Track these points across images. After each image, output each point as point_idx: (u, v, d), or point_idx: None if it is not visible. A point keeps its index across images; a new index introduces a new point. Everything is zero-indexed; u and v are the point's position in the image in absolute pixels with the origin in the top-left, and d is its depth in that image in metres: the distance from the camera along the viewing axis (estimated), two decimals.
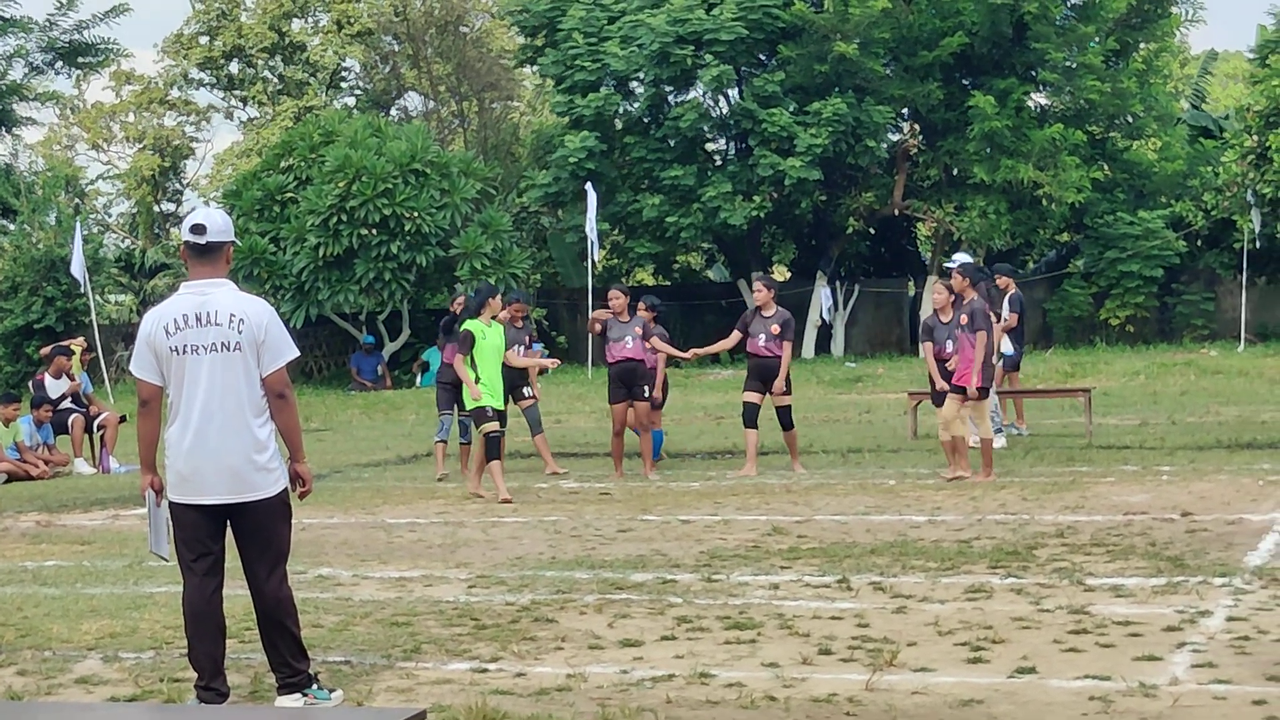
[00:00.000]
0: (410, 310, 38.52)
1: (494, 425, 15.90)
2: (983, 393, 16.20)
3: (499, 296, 16.74)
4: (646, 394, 17.66)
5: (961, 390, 16.06)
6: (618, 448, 17.84)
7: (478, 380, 15.88)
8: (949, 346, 16.24)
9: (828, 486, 16.02)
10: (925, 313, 23.63)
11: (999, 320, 21.35)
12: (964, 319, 16.19)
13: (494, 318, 16.35)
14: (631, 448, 18.34)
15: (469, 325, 16.03)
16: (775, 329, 17.25)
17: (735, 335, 17.65)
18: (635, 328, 17.58)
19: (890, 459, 18.15)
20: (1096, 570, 10.62)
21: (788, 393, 17.32)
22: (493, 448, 15.93)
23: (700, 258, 48.62)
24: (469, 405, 16.22)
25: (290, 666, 7.68)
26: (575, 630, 9.28)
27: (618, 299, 17.73)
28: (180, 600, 7.77)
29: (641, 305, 18.07)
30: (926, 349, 16.58)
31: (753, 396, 17.43)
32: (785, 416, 17.38)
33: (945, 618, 9.23)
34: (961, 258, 19.53)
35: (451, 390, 17.75)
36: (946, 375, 16.23)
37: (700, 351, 19.65)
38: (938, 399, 16.41)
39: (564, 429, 24.03)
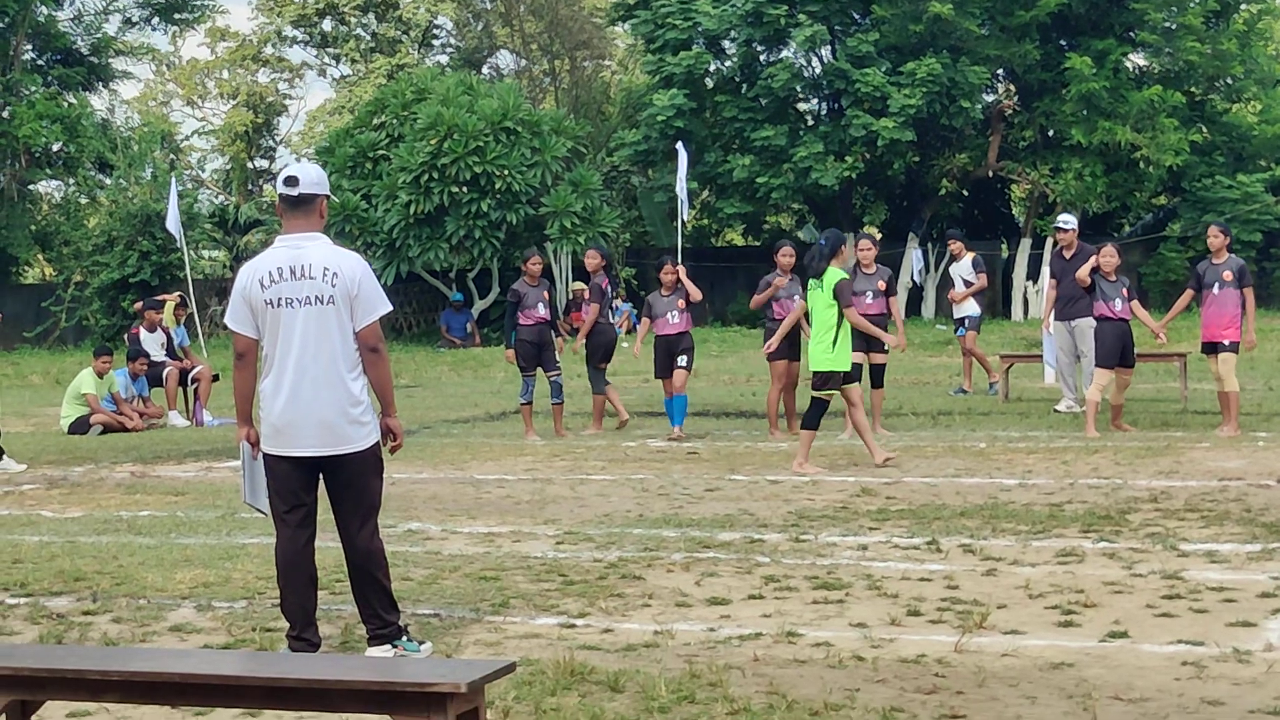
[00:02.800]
0: (500, 268, 38.61)
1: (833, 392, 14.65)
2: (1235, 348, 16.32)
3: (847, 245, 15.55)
4: (685, 363, 17.72)
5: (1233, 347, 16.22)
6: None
7: (835, 341, 14.39)
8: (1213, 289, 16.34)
9: (917, 449, 15.94)
10: (1017, 273, 23.32)
11: (968, 285, 21.48)
12: (1227, 275, 16.22)
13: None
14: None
15: (841, 273, 14.63)
16: (881, 285, 17.21)
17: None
18: (679, 301, 17.61)
19: (981, 422, 18.03)
20: (1190, 535, 10.50)
21: (885, 352, 17.18)
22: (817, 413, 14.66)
23: (791, 218, 48.44)
24: (824, 366, 14.50)
25: (380, 618, 7.73)
26: (662, 588, 9.28)
27: (788, 256, 17.69)
28: (273, 551, 7.83)
29: (671, 268, 18.06)
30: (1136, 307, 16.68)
31: (855, 356, 17.24)
32: (879, 375, 17.26)
33: (1036, 581, 9.16)
34: (1066, 218, 19.42)
35: (533, 348, 17.78)
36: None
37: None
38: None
39: (653, 388, 24.01)
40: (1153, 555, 9.84)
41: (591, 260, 18.49)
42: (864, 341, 16.86)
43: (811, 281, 14.65)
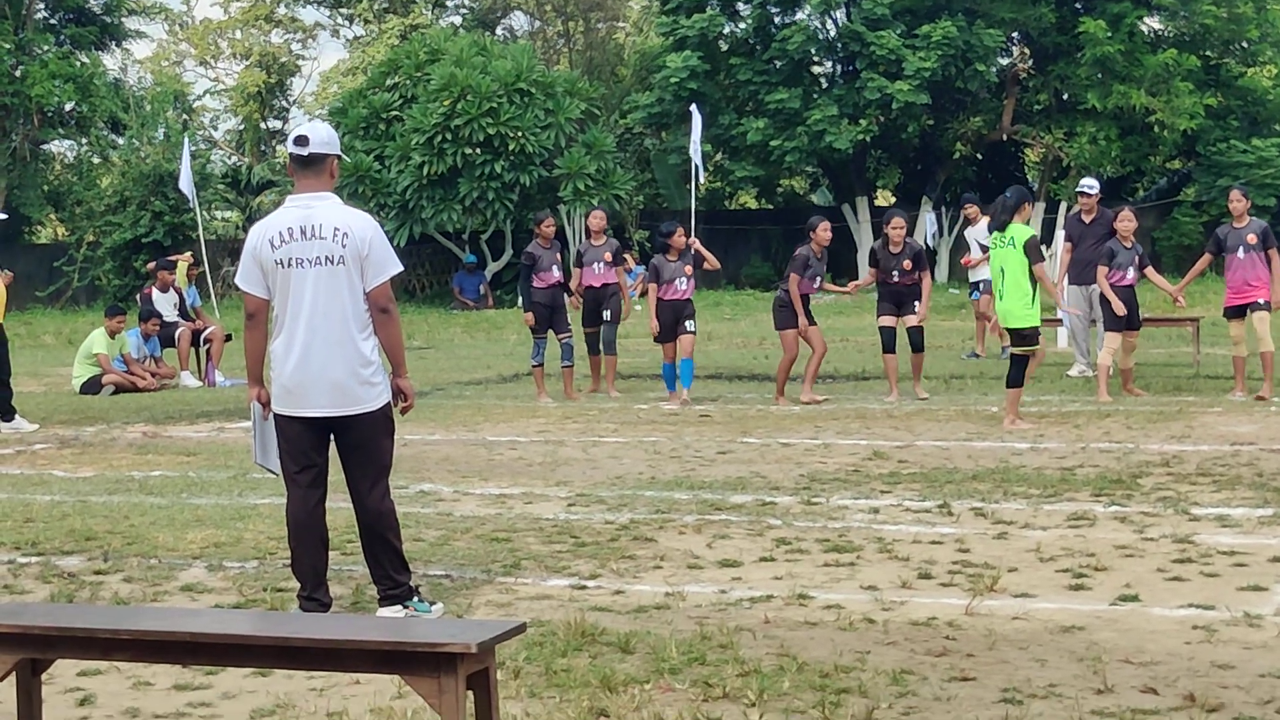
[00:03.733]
0: (513, 230, 38.56)
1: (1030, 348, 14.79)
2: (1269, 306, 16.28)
3: (1031, 203, 15.27)
4: (692, 328, 17.61)
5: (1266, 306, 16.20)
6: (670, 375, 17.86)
7: (1033, 298, 14.50)
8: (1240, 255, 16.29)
9: (929, 412, 15.92)
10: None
11: (985, 250, 21.43)
12: (1251, 238, 16.18)
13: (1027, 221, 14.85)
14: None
15: (1029, 230, 14.61)
16: (908, 264, 17.08)
17: (870, 272, 17.51)
18: (686, 266, 17.54)
19: (993, 386, 18.00)
20: (1202, 500, 10.49)
21: (916, 313, 17.14)
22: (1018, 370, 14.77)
23: (804, 181, 48.32)
24: (1024, 323, 14.55)
25: (392, 579, 7.74)
26: (674, 550, 9.29)
27: (826, 231, 17.58)
28: (284, 511, 7.84)
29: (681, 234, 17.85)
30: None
31: (888, 320, 17.25)
32: (917, 338, 17.16)
33: (1047, 544, 9.15)
34: (1090, 182, 19.33)
35: (546, 310, 17.77)
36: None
37: (860, 284, 19.34)
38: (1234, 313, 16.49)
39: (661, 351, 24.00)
40: (1164, 519, 9.83)
41: (597, 220, 18.43)
42: (894, 305, 16.91)
43: (996, 237, 14.72)
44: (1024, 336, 14.61)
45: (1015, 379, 14.63)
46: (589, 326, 18.39)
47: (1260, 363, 16.46)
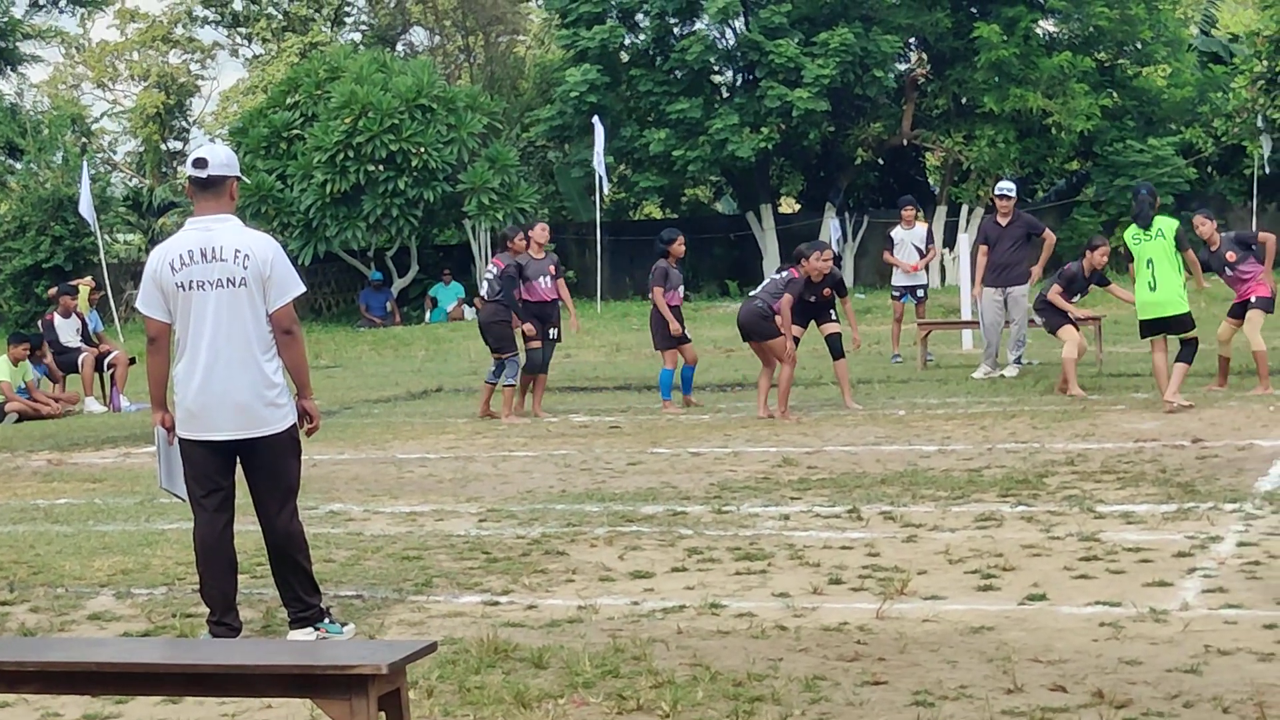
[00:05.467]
0: (418, 246, 38.46)
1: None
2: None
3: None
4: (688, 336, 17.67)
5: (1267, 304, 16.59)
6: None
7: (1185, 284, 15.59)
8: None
9: (838, 417, 16.02)
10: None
11: (923, 255, 21.58)
12: (1230, 255, 16.54)
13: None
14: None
15: (1174, 221, 15.57)
16: (826, 292, 17.16)
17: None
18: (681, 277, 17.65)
19: (900, 389, 18.13)
20: (1107, 497, 10.61)
21: (835, 321, 17.14)
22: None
23: (708, 190, 48.45)
24: (1186, 308, 15.49)
25: (302, 601, 7.70)
26: (586, 563, 9.29)
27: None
28: (191, 536, 7.79)
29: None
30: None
31: (796, 331, 17.22)
32: (836, 346, 17.10)
33: (956, 546, 9.23)
34: (1007, 185, 19.54)
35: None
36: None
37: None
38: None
39: (573, 363, 24.04)
40: (1070, 518, 9.94)
41: (542, 233, 17.98)
42: (810, 314, 16.84)
43: (1138, 232, 15.49)
44: (1183, 323, 15.35)
45: (1187, 357, 15.31)
46: (533, 343, 17.34)
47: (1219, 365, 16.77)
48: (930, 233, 22.34)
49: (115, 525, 11.32)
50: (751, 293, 16.76)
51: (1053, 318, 17.36)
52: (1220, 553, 8.75)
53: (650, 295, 17.45)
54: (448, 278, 37.50)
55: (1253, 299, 16.44)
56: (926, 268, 22.20)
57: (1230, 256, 16.52)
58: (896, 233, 22.36)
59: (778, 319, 16.04)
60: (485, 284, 17.51)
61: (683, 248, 17.66)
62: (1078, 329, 17.31)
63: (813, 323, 16.99)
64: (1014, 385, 17.96)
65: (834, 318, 17.09)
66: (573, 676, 6.81)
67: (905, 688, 6.51)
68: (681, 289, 17.62)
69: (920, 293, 22.07)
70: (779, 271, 16.78)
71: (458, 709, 6.49)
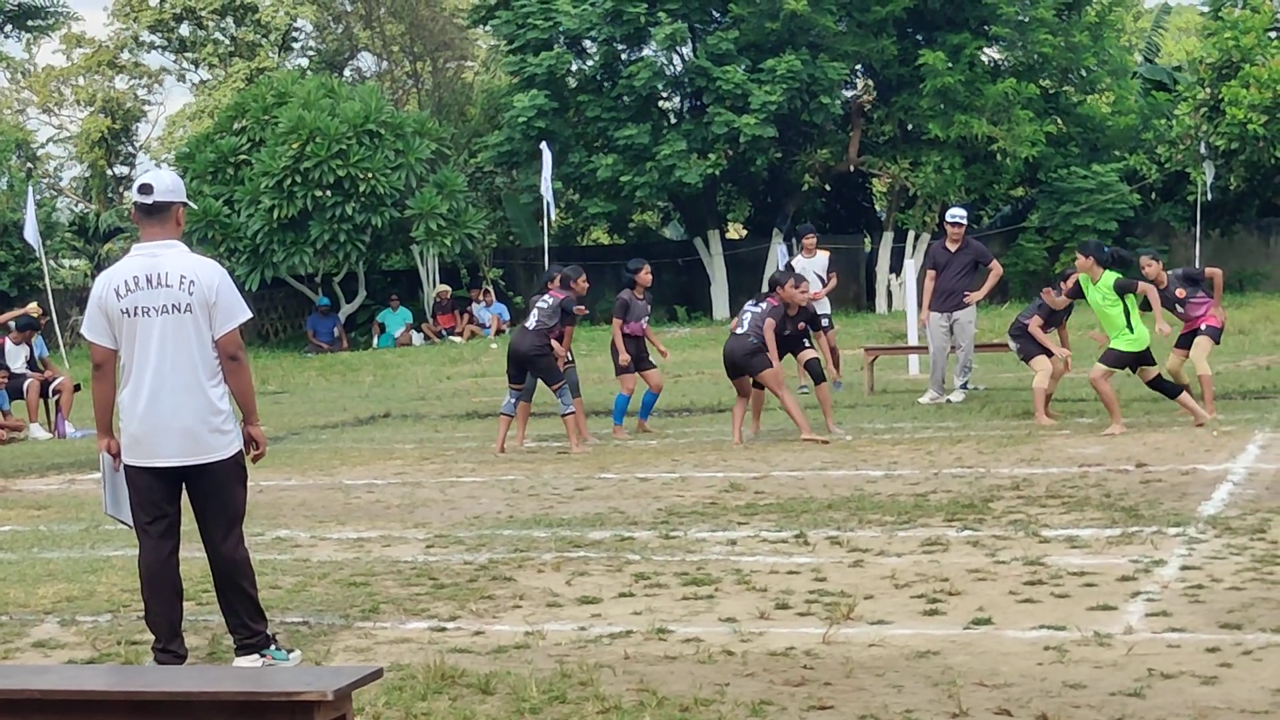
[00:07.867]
0: (366, 272, 38.38)
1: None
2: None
3: None
4: (654, 363, 17.96)
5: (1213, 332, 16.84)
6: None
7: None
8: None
9: (785, 443, 16.06)
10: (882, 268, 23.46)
11: (824, 283, 21.35)
12: (1180, 292, 16.69)
13: None
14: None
15: (1116, 274, 15.83)
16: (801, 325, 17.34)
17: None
18: (647, 306, 17.79)
19: (846, 415, 18.18)
20: (1051, 522, 10.68)
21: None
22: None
23: (656, 216, 48.54)
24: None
25: (248, 628, 7.68)
26: (533, 588, 9.29)
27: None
28: (137, 563, 7.75)
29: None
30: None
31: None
32: (816, 368, 17.26)
33: (902, 571, 9.27)
34: (958, 212, 19.64)
35: (545, 361, 16.57)
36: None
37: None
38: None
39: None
40: (1015, 542, 9.99)
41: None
42: (786, 348, 16.91)
43: (1089, 286, 15.82)
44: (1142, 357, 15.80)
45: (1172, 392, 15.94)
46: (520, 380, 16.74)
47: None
48: (832, 260, 22.04)
49: (60, 552, 11.25)
50: (737, 330, 16.47)
51: (1028, 345, 17.39)
52: (1164, 576, 8.82)
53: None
54: (395, 303, 37.45)
55: (1202, 327, 16.62)
56: (829, 296, 21.81)
57: (1180, 293, 16.70)
58: (798, 262, 21.64)
59: (768, 354, 16.15)
60: (536, 313, 16.57)
61: (649, 276, 17.87)
62: (1051, 358, 17.28)
63: (789, 355, 17.10)
64: (960, 410, 18.05)
65: (808, 344, 17.41)
66: (520, 702, 6.81)
67: (851, 712, 6.54)
68: (645, 319, 17.70)
69: (825, 321, 21.46)
70: (756, 304, 16.73)
71: None
